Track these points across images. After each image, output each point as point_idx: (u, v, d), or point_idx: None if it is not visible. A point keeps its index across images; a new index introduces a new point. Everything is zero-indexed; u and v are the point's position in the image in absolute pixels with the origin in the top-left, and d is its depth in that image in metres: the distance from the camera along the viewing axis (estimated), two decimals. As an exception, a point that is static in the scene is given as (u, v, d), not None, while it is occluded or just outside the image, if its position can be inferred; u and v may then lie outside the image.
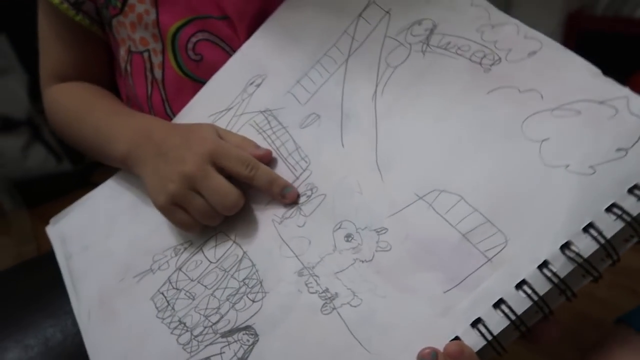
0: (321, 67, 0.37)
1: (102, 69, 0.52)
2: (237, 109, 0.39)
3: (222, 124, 0.39)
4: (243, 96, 0.39)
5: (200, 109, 0.41)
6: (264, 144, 0.37)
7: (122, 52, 0.47)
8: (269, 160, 0.36)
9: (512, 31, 0.32)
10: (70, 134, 0.49)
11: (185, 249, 0.35)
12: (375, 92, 0.34)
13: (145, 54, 0.45)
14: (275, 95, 0.38)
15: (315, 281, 0.31)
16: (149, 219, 0.38)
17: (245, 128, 0.38)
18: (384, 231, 0.30)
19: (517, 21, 0.32)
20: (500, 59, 0.31)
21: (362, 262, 0.30)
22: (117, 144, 0.41)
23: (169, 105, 0.47)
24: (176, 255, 0.35)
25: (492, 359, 0.26)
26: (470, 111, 0.31)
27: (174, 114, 0.46)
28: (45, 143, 1.75)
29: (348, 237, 0.31)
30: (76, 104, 0.49)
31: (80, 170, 1.73)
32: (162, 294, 0.34)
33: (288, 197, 0.34)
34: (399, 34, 0.35)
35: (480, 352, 0.25)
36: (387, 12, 0.36)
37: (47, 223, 0.44)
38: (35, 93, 1.72)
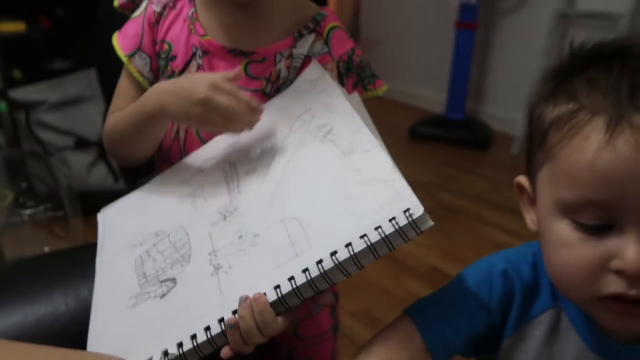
0: (270, 142, 0.58)
1: None
2: (217, 159, 0.61)
3: (206, 167, 0.61)
4: (223, 153, 0.60)
5: (198, 156, 0.63)
6: (222, 182, 0.57)
7: None
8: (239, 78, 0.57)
9: (365, 137, 0.51)
10: (116, 138, 0.65)
11: (161, 234, 0.56)
12: (289, 160, 0.54)
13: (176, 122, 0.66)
14: (239, 155, 0.59)
15: (215, 258, 0.50)
16: (150, 216, 0.59)
17: (217, 171, 0.59)
18: (258, 236, 0.50)
19: (369, 132, 0.51)
20: (353, 151, 0.51)
21: (240, 250, 0.49)
22: (144, 107, 0.60)
23: (183, 151, 0.66)
24: (156, 237, 0.56)
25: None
26: (328, 176, 0.50)
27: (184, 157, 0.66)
28: (107, 163, 2.01)
29: (240, 237, 0.51)
30: (117, 115, 0.67)
31: (132, 189, 1.97)
32: (141, 257, 0.55)
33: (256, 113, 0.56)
34: (314, 130, 0.55)
35: (275, 305, 0.45)
36: (314, 116, 0.57)
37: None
38: (108, 121, 2.00)
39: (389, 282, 1.56)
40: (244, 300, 0.45)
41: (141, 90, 0.68)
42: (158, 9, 0.66)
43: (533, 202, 0.46)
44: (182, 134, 0.66)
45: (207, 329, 0.45)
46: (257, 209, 0.52)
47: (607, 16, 2.31)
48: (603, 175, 0.36)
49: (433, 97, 3.08)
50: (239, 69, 0.61)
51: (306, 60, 0.65)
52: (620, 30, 2.21)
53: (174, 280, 0.50)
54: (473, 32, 2.68)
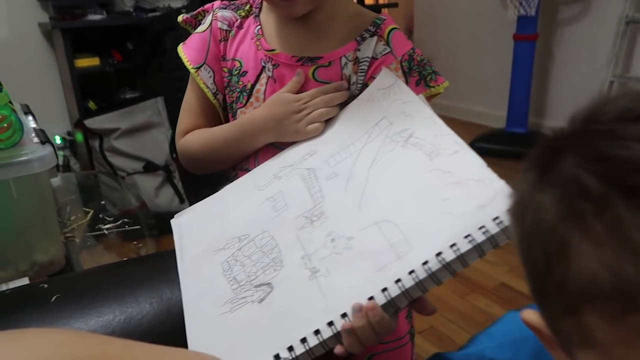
0: (347, 150, 0.60)
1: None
2: (295, 166, 0.62)
3: (283, 173, 0.63)
4: (300, 160, 0.63)
5: (274, 163, 0.66)
6: (302, 187, 0.59)
7: None
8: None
9: (450, 139, 0.53)
10: (205, 155, 0.71)
11: (245, 238, 0.57)
12: (372, 165, 0.56)
13: None
14: (319, 162, 0.61)
15: (310, 262, 0.51)
16: (229, 221, 0.61)
17: (295, 177, 0.61)
18: (352, 238, 0.51)
19: (454, 133, 0.53)
20: (439, 154, 0.52)
21: (336, 254, 0.50)
22: (251, 132, 0.67)
23: (256, 162, 0.69)
24: (239, 241, 0.57)
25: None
26: (416, 179, 0.52)
27: (258, 164, 0.69)
28: (174, 186, 2.10)
29: (332, 240, 0.51)
30: (204, 134, 0.72)
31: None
32: (227, 262, 0.56)
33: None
34: (393, 135, 0.57)
35: (383, 308, 0.45)
36: (391, 123, 0.58)
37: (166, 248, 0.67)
38: (174, 145, 2.10)
39: (457, 299, 1.51)
40: (357, 309, 0.45)
41: (205, 100, 0.73)
42: (224, 26, 0.71)
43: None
44: None
45: (317, 332, 0.46)
46: (345, 213, 0.53)
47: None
48: None
49: (492, 112, 3.01)
50: (299, 71, 0.65)
51: (372, 62, 0.67)
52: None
53: (269, 285, 0.51)
54: (533, 44, 2.60)
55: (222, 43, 0.71)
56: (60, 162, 2.45)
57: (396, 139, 0.56)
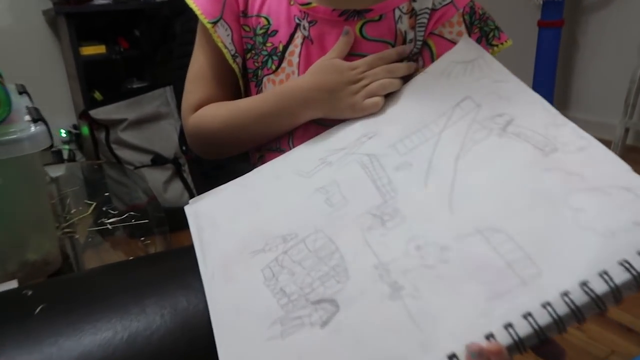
0: (421, 134, 0.48)
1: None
2: (349, 150, 0.50)
3: (334, 158, 0.50)
4: (356, 143, 0.51)
5: (320, 145, 0.53)
6: (364, 177, 0.47)
7: None
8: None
9: (570, 131, 0.42)
10: (227, 134, 0.59)
11: (292, 238, 0.45)
12: (459, 155, 0.44)
13: None
14: (381, 146, 0.49)
15: (387, 275, 0.39)
16: (266, 213, 0.49)
17: (352, 164, 0.49)
18: (447, 249, 0.38)
19: (574, 125, 0.42)
20: (557, 149, 0.41)
21: (426, 267, 0.38)
22: (285, 107, 0.56)
23: (292, 141, 0.58)
24: (284, 242, 0.45)
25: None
26: (528, 180, 0.40)
27: (294, 145, 0.57)
28: (183, 180, 2.00)
29: (418, 247, 0.39)
30: (227, 107, 0.59)
31: (207, 208, 1.94)
32: (270, 268, 0.43)
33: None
34: (484, 121, 0.45)
35: (508, 350, 0.33)
36: (478, 105, 0.47)
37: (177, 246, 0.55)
38: (184, 137, 2.00)
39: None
40: (476, 352, 0.33)
41: (221, 64, 0.60)
42: None
43: None
44: None
45: None
46: (431, 214, 0.41)
47: None
48: None
49: (514, 104, 2.88)
50: (346, 29, 0.54)
51: (431, 15, 0.56)
52: None
53: (332, 302, 0.39)
54: (558, 31, 2.47)
55: None
56: (66, 157, 2.36)
57: (489, 125, 0.44)
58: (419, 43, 0.56)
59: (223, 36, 0.59)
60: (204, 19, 0.59)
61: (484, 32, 0.57)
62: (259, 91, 0.61)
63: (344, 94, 0.53)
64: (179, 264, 0.49)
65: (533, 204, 0.38)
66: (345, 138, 0.52)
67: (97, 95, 2.14)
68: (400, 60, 0.55)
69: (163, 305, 0.42)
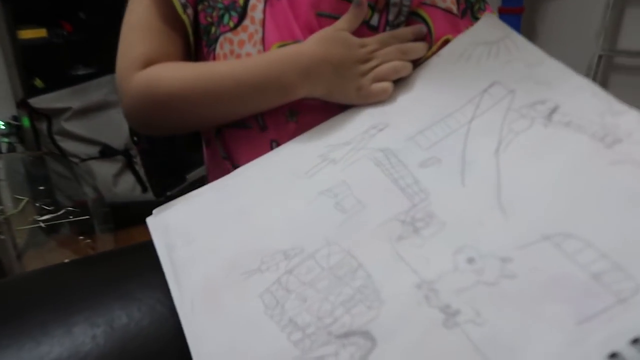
0: (445, 124, 0.40)
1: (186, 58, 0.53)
2: (356, 144, 0.42)
3: (338, 155, 0.42)
4: (364, 136, 0.43)
5: (317, 139, 0.45)
6: (381, 176, 0.39)
7: None
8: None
9: (634, 118, 0.35)
10: (188, 102, 0.48)
11: (296, 254, 0.36)
12: (498, 149, 0.37)
13: None
14: (396, 140, 0.41)
15: (435, 296, 0.30)
16: (259, 224, 0.40)
17: (363, 161, 0.41)
18: (509, 260, 0.30)
19: (629, 109, 0.35)
20: (621, 139, 0.34)
21: (486, 284, 0.30)
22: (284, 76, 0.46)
23: (260, 116, 0.49)
24: (286, 259, 0.36)
25: None
26: (593, 175, 0.33)
27: (265, 123, 0.50)
28: (135, 173, 1.87)
29: (470, 260, 0.31)
30: (193, 68, 0.49)
31: (162, 202, 1.82)
32: (272, 293, 0.34)
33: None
34: (522, 109, 0.38)
35: None
36: (511, 91, 0.40)
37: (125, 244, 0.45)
38: (135, 127, 1.87)
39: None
40: None
41: (167, 15, 0.50)
42: None
43: None
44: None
45: None
46: (479, 219, 0.33)
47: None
48: None
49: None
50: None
51: None
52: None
53: (366, 335, 0.30)
54: (519, 17, 2.48)
55: None
56: (5, 150, 2.18)
57: (529, 113, 0.38)
58: (405, 9, 0.49)
59: None
60: None
61: (470, 3, 0.51)
62: (210, 53, 0.51)
63: (351, 73, 0.45)
64: (118, 269, 0.40)
65: (608, 203, 0.31)
66: (350, 130, 0.44)
67: (38, 82, 1.97)
68: (414, 41, 0.48)
69: (95, 322, 0.33)
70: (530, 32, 2.71)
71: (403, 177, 0.38)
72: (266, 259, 0.37)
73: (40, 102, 1.77)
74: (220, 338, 0.33)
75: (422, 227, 0.34)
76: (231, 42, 0.50)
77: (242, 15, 0.49)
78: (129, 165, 1.85)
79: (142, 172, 1.86)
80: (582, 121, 0.36)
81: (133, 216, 1.80)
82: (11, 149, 2.16)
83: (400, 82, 0.47)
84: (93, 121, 1.83)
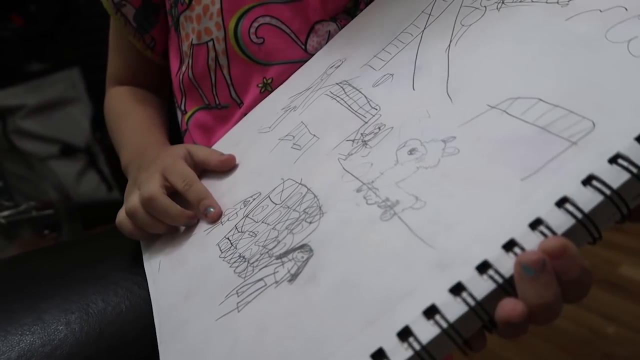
0: (398, 41, 0.40)
1: (151, 74, 0.58)
2: (314, 87, 0.42)
3: (299, 102, 0.42)
4: (322, 77, 0.43)
5: (281, 94, 0.45)
6: (336, 107, 0.39)
7: (185, 48, 0.49)
8: (231, 164, 0.42)
9: None
10: (110, 133, 0.56)
11: (255, 199, 0.37)
12: (449, 45, 0.36)
13: (210, 43, 0.47)
14: (352, 69, 0.41)
15: (375, 193, 0.30)
16: (222, 183, 0.41)
17: (321, 98, 0.41)
18: (451, 139, 0.30)
19: None
20: None
21: (426, 168, 0.30)
22: (122, 155, 0.51)
23: (234, 90, 0.48)
24: (245, 206, 0.37)
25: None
26: (548, 36, 0.32)
27: (240, 98, 0.48)
28: (99, 171, 1.81)
29: (412, 150, 0.31)
30: (116, 109, 0.56)
31: (129, 200, 1.77)
32: (228, 238, 0.35)
33: (209, 217, 0.39)
34: (474, 2, 0.37)
35: (570, 237, 0.23)
36: None
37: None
38: (96, 123, 1.80)
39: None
40: (534, 264, 0.22)
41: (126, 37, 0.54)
42: None
43: None
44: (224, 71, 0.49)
45: (433, 310, 0.23)
46: (423, 112, 0.33)
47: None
48: None
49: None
50: (225, 156, 0.44)
51: None
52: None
53: (304, 248, 0.30)
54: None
55: None
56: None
57: (482, 3, 0.36)
58: None
59: None
60: None
61: None
62: (178, 36, 0.50)
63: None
64: (90, 253, 0.37)
65: (561, 58, 0.30)
66: (310, 76, 0.43)
67: (-11, 80, 1.87)
68: None
69: (69, 308, 0.31)
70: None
71: (356, 100, 0.38)
72: (228, 211, 0.38)
73: (-8, 100, 1.69)
74: (177, 289, 0.34)
75: (370, 138, 0.34)
76: (191, 20, 0.48)
77: None
78: (93, 164, 1.79)
79: (106, 170, 1.80)
80: None
81: (98, 217, 1.75)
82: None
83: (357, 16, 0.47)
84: (51, 119, 1.76)
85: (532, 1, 0.34)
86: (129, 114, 0.54)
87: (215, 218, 0.38)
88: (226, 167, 0.41)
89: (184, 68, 0.51)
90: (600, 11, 0.31)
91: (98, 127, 1.81)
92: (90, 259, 0.36)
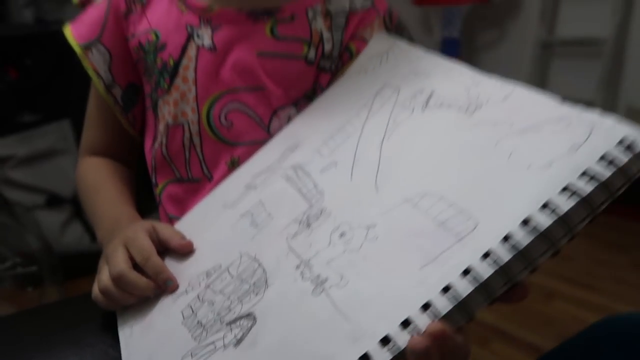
0: (343, 130, 0.46)
1: (125, 147, 0.62)
2: (273, 168, 0.48)
3: (259, 181, 0.48)
4: (280, 159, 0.48)
5: (244, 171, 0.51)
6: (289, 189, 0.45)
7: (161, 128, 0.54)
8: (189, 249, 0.45)
9: (491, 84, 0.42)
10: (83, 204, 0.59)
11: (215, 270, 0.41)
12: (383, 140, 0.42)
13: (185, 125, 0.53)
14: (305, 154, 0.47)
15: (310, 270, 0.35)
16: (190, 258, 0.46)
17: (277, 180, 0.46)
18: (373, 226, 0.36)
19: (492, 80, 0.42)
20: (481, 105, 0.40)
21: (352, 251, 0.35)
22: (98, 230, 0.53)
23: (206, 167, 0.53)
24: (207, 277, 0.41)
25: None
26: (455, 140, 0.39)
27: (211, 173, 0.53)
28: (83, 221, 1.83)
29: (342, 234, 0.37)
30: (90, 182, 0.59)
31: (112, 250, 1.78)
32: (190, 306, 0.39)
33: (168, 289, 0.43)
34: (405, 101, 0.44)
35: (450, 318, 0.29)
36: (397, 89, 0.46)
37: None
38: (84, 174, 1.84)
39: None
40: (423, 349, 0.28)
41: (106, 110, 0.58)
42: None
43: None
44: (197, 147, 0.53)
45: None
46: (355, 201, 0.39)
47: (589, 41, 2.31)
48: None
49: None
50: (185, 241, 0.47)
51: (350, 17, 0.54)
52: (604, 55, 2.20)
53: (249, 317, 0.35)
54: (457, 66, 2.65)
55: (129, 17, 0.54)
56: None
57: (410, 104, 0.44)
58: (338, 44, 0.54)
59: (97, 62, 0.55)
60: (74, 42, 0.55)
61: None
62: (155, 117, 0.56)
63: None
64: (68, 317, 0.41)
65: (462, 161, 0.37)
66: (269, 157, 0.49)
67: (-19, 130, 1.91)
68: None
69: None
70: (468, 79, 2.89)
71: (306, 184, 0.44)
72: (192, 282, 0.42)
73: (-18, 150, 1.72)
74: (144, 352, 0.38)
75: (313, 221, 0.40)
76: (168, 103, 0.54)
77: (173, 75, 0.53)
78: (77, 214, 1.81)
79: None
80: (451, 100, 0.42)
81: (82, 267, 1.75)
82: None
83: (309, 106, 0.52)
84: (39, 169, 1.79)
85: (448, 106, 0.42)
86: (101, 189, 0.57)
87: (174, 289, 0.42)
88: (184, 251, 0.45)
89: (156, 145, 0.56)
90: (494, 125, 0.38)
91: (85, 178, 1.84)
92: (69, 323, 0.40)
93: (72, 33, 0.55)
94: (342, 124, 0.47)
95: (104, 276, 0.44)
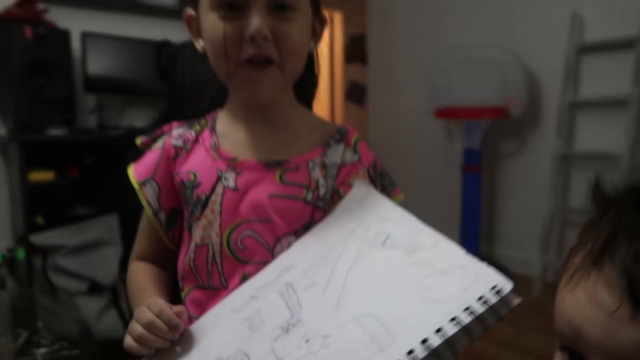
0: (326, 259, 0.60)
1: (165, 257, 0.76)
2: (272, 283, 0.62)
3: (261, 293, 0.61)
4: (277, 277, 0.62)
5: (252, 283, 0.64)
6: (280, 302, 0.58)
7: (192, 245, 0.69)
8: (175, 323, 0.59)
9: (425, 234, 0.56)
10: (130, 299, 0.73)
11: None
12: (350, 268, 0.56)
13: (210, 246, 0.67)
14: (295, 275, 0.61)
15: None
16: (200, 346, 0.59)
17: (273, 293, 0.60)
18: (328, 336, 0.50)
19: (429, 229, 0.56)
20: (418, 249, 0.54)
21: (310, 353, 0.49)
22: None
23: (224, 278, 0.66)
24: None
25: None
26: (395, 276, 0.53)
27: (227, 284, 0.66)
28: (119, 310, 1.95)
29: (307, 340, 0.51)
30: (138, 283, 0.73)
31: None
32: None
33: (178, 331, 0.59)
34: (371, 240, 0.59)
35: None
36: (367, 228, 0.60)
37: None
38: (124, 264, 2.00)
39: None
40: None
41: (153, 228, 0.73)
42: (179, 142, 0.72)
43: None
44: (217, 259, 0.67)
45: None
46: (322, 314, 0.52)
47: (605, 156, 2.41)
48: None
49: (445, 238, 3.09)
50: (181, 308, 0.63)
51: (341, 169, 0.69)
52: (620, 169, 2.29)
53: None
54: (478, 175, 2.78)
55: (177, 160, 0.71)
56: (-6, 281, 2.25)
57: (373, 242, 0.57)
58: (330, 190, 0.68)
59: (149, 194, 0.71)
60: (134, 180, 0.71)
61: (383, 185, 0.72)
62: (190, 236, 0.71)
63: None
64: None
65: (397, 292, 0.50)
66: (270, 275, 0.63)
67: (39, 220, 2.13)
68: None
69: None
70: (492, 188, 3.00)
71: (292, 299, 0.57)
72: None
73: (39, 238, 1.91)
74: None
75: (290, 328, 0.53)
76: (198, 227, 0.69)
77: (204, 207, 0.68)
78: (115, 302, 1.93)
79: (126, 309, 1.95)
80: (401, 242, 0.56)
81: (115, 353, 1.84)
82: (0, 280, 2.24)
83: (306, 235, 0.66)
84: (86, 258, 1.94)
85: (397, 247, 0.55)
86: (145, 290, 0.72)
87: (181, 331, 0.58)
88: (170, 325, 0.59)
89: (186, 259, 0.71)
90: (422, 265, 0.51)
91: (125, 269, 1.99)
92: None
93: (133, 171, 0.72)
94: (325, 252, 0.60)
95: (136, 328, 0.58)
